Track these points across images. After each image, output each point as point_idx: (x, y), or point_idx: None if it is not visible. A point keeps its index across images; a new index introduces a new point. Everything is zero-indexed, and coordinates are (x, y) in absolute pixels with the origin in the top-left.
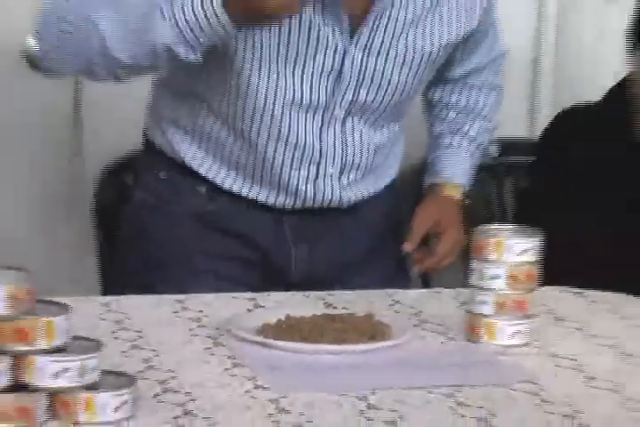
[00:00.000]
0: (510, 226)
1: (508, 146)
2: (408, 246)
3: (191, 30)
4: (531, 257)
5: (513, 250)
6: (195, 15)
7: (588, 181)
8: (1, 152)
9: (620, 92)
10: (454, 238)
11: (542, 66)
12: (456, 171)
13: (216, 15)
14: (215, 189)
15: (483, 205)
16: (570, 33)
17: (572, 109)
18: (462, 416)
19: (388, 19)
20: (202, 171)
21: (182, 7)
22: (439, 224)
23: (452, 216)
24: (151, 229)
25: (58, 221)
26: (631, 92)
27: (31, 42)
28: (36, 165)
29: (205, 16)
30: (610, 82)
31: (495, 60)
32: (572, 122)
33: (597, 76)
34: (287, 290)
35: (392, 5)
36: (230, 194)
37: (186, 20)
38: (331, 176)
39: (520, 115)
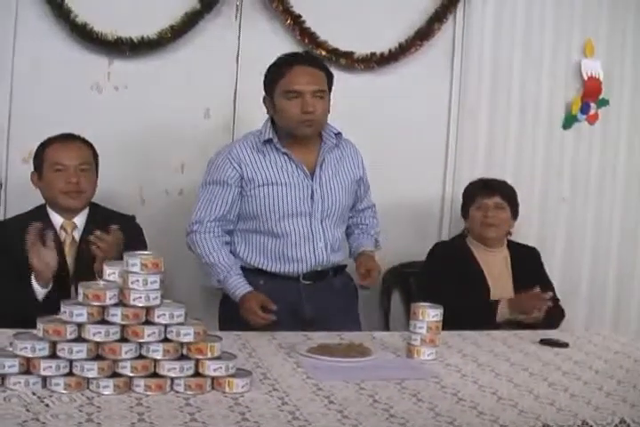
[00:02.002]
0: (428, 303)
1: (412, 264)
2: (359, 273)
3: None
4: (438, 318)
5: (430, 314)
6: (229, 292)
7: (444, 276)
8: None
9: (462, 235)
10: (376, 271)
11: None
12: (369, 246)
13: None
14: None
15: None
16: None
17: (440, 242)
18: (403, 389)
19: (326, 169)
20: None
21: (230, 291)
22: (370, 265)
23: (373, 261)
24: None
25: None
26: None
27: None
28: None
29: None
30: None
31: (372, 206)
32: (440, 248)
33: None
34: (302, 324)
35: (324, 162)
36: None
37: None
38: (320, 248)
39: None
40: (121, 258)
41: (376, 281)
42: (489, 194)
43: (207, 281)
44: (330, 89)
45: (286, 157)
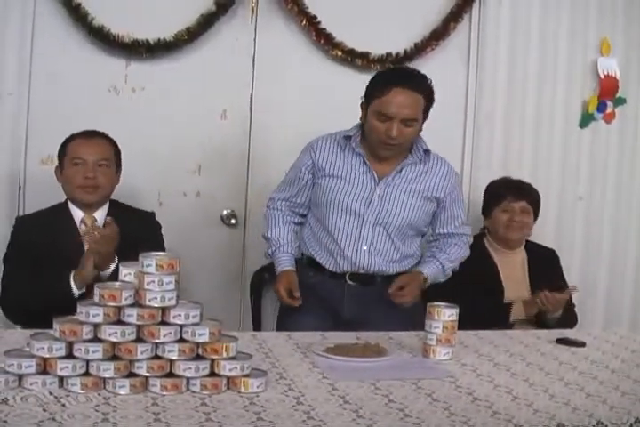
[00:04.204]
0: (443, 303)
1: None
2: (390, 289)
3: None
4: (454, 317)
5: (445, 314)
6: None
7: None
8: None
9: (481, 235)
10: (410, 289)
11: None
12: (425, 268)
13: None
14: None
15: None
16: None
17: None
18: (418, 389)
19: (398, 179)
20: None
21: (275, 265)
22: (406, 282)
23: (412, 281)
24: None
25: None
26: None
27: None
28: None
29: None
30: None
31: (462, 235)
32: None
33: None
34: (340, 325)
35: (399, 173)
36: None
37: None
38: (363, 251)
39: None
40: (130, 251)
41: (408, 298)
42: (518, 197)
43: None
44: (427, 112)
45: (361, 159)
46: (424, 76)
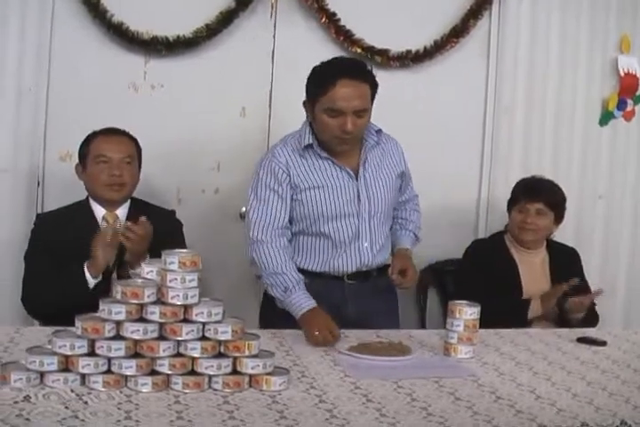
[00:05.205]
0: (465, 301)
1: (449, 262)
2: (394, 275)
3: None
4: (475, 316)
5: (467, 312)
6: (292, 303)
7: (479, 275)
8: None
9: (502, 232)
10: (412, 270)
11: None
12: (406, 243)
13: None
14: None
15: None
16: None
17: (478, 240)
18: (441, 387)
19: (369, 168)
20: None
21: (291, 306)
22: (404, 264)
23: (409, 261)
24: None
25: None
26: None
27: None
28: None
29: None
30: None
31: (414, 197)
32: (476, 246)
33: None
34: (345, 325)
35: (366, 161)
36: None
37: (285, 306)
38: (365, 248)
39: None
40: (151, 249)
41: (412, 281)
42: (532, 199)
43: (270, 291)
44: (373, 99)
45: (329, 161)
46: (364, 64)
